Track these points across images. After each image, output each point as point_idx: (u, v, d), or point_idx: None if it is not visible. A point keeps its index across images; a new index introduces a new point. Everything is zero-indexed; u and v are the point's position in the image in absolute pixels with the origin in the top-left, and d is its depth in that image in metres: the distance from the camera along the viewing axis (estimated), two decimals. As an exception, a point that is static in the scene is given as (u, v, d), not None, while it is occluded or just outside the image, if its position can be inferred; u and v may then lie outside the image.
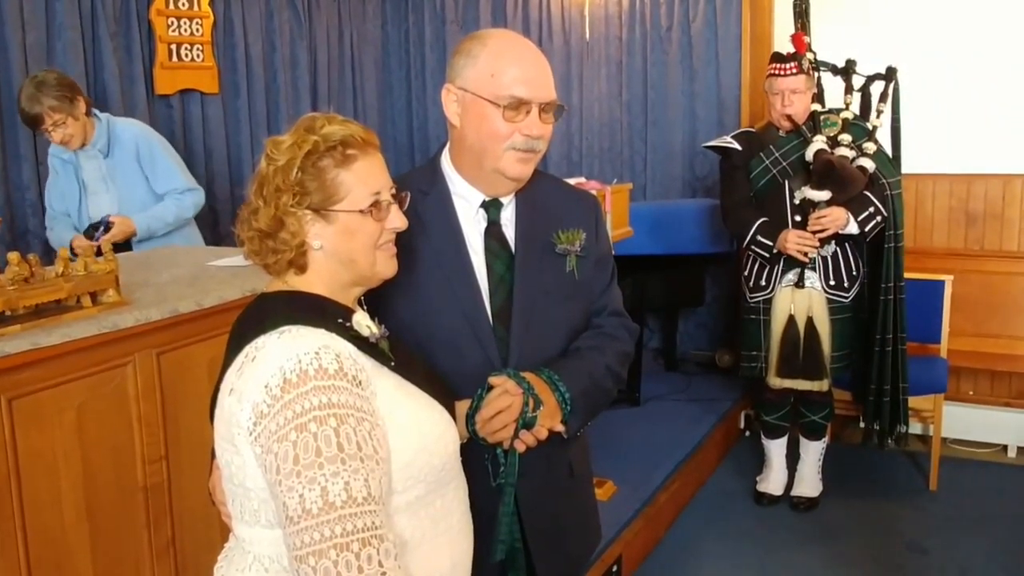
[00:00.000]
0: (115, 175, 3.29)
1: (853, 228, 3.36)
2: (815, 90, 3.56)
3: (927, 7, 4.33)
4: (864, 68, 3.61)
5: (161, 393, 2.04)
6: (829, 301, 3.47)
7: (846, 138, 3.44)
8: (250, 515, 1.24)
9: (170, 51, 4.21)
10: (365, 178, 1.29)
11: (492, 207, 1.59)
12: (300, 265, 1.30)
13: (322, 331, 1.22)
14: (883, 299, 3.47)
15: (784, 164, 3.48)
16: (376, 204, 1.30)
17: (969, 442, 4.26)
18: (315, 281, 1.31)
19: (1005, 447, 4.21)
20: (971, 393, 4.31)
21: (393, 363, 1.29)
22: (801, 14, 3.67)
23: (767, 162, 3.51)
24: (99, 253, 2.07)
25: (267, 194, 1.27)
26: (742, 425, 4.53)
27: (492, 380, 1.47)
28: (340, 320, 1.26)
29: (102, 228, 3.13)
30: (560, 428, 1.51)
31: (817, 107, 3.55)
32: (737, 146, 3.58)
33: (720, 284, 4.92)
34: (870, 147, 3.45)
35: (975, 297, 4.28)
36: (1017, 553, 3.29)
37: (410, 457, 1.23)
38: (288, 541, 1.12)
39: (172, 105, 4.28)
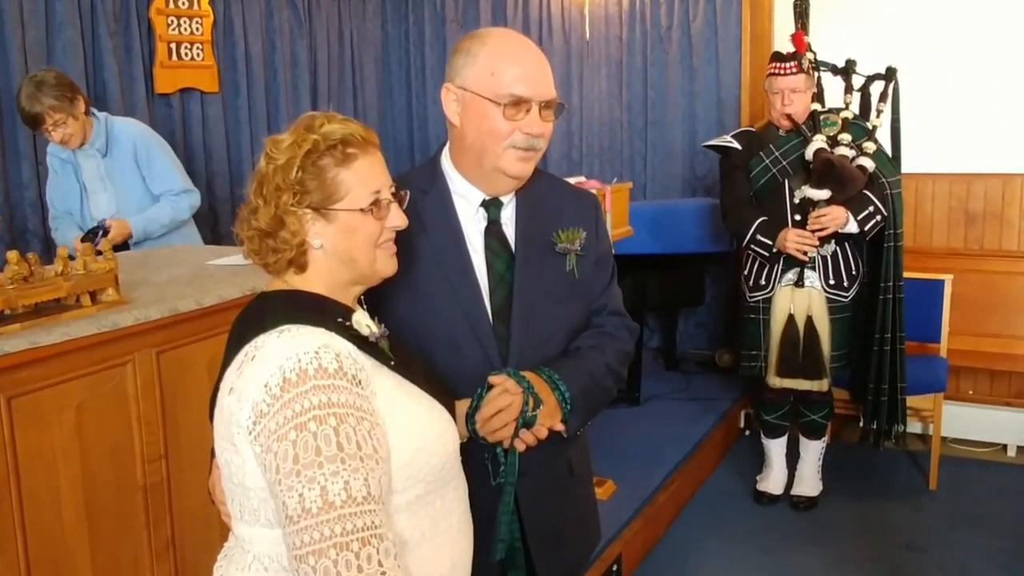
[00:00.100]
0: (113, 175, 3.29)
1: (853, 227, 3.36)
2: (815, 90, 3.56)
3: (927, 7, 4.33)
4: (864, 68, 3.61)
5: (160, 392, 2.04)
6: (829, 301, 3.46)
7: (846, 137, 3.44)
8: (249, 514, 1.24)
9: (170, 50, 4.21)
10: (365, 177, 1.29)
11: (492, 206, 1.59)
12: (300, 264, 1.30)
13: (322, 330, 1.22)
14: (882, 298, 3.47)
15: (784, 163, 3.48)
16: (376, 203, 1.30)
17: (969, 441, 4.26)
18: (315, 280, 1.31)
19: (1005, 446, 4.21)
20: (971, 392, 4.31)
21: (393, 362, 1.29)
22: (801, 14, 3.68)
23: (767, 161, 3.51)
24: (98, 253, 2.07)
25: (267, 193, 1.27)
26: (742, 424, 4.53)
27: (492, 379, 1.47)
28: (340, 319, 1.25)
29: (100, 232, 3.13)
30: (560, 427, 1.51)
31: (817, 107, 3.55)
32: (737, 145, 3.58)
33: (720, 283, 4.92)
34: (870, 146, 3.45)
35: (975, 297, 4.28)
36: (1017, 553, 3.29)
37: (410, 456, 1.23)
38: (288, 540, 1.12)
39: (172, 104, 4.28)
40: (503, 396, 1.44)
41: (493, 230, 1.59)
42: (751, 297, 3.61)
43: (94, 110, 3.27)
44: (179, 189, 3.37)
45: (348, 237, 1.29)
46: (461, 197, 1.59)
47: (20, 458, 1.74)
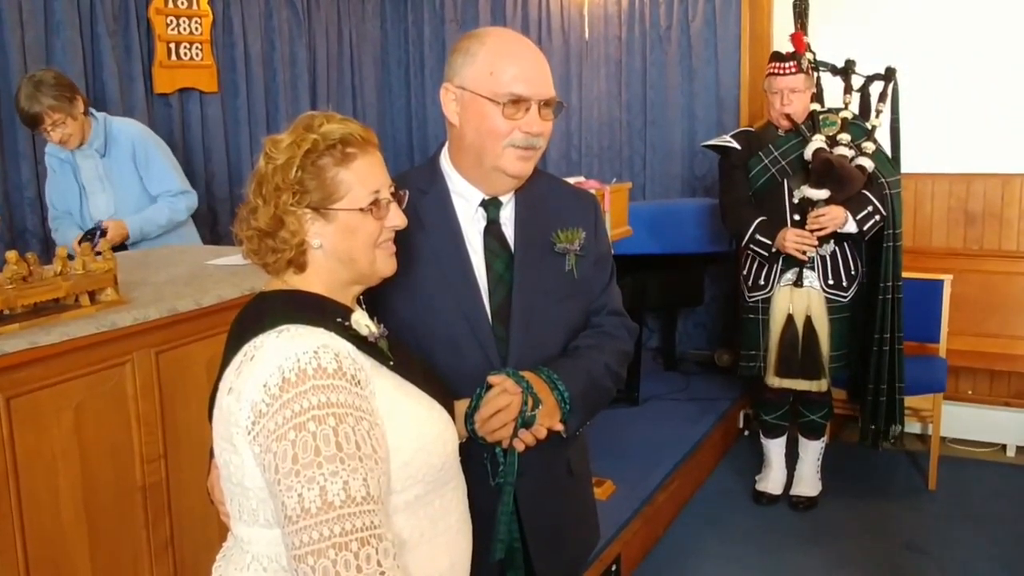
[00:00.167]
0: (111, 175, 3.29)
1: (852, 227, 3.36)
2: (814, 90, 3.56)
3: (927, 7, 4.33)
4: (863, 68, 3.61)
5: (159, 392, 2.04)
6: (828, 300, 3.46)
7: (845, 137, 3.44)
8: (248, 514, 1.24)
9: (169, 50, 4.20)
10: (364, 176, 1.29)
11: (491, 206, 1.59)
12: (299, 264, 1.30)
13: (321, 330, 1.21)
14: (881, 298, 3.47)
15: (783, 163, 3.48)
16: (376, 202, 1.30)
17: (968, 441, 4.26)
18: (314, 280, 1.31)
19: (1004, 446, 4.21)
20: (970, 392, 4.32)
21: (392, 362, 1.29)
22: (800, 14, 3.68)
23: (766, 161, 3.51)
24: (97, 253, 2.07)
25: (266, 193, 1.27)
26: (741, 424, 4.53)
27: (491, 379, 1.47)
28: (339, 319, 1.25)
29: (98, 234, 3.12)
30: (559, 427, 1.51)
31: (816, 107, 3.55)
32: (736, 145, 3.58)
33: (719, 283, 4.92)
34: (869, 146, 3.46)
35: (974, 297, 4.28)
36: (1017, 552, 3.30)
37: (409, 456, 1.23)
38: (287, 540, 1.12)
39: (171, 104, 4.27)
40: (502, 396, 1.44)
41: (492, 230, 1.59)
42: (750, 297, 3.61)
43: (93, 110, 3.26)
44: (176, 190, 3.37)
45: (347, 237, 1.29)
46: (460, 197, 1.59)
47: (19, 458, 1.74)
